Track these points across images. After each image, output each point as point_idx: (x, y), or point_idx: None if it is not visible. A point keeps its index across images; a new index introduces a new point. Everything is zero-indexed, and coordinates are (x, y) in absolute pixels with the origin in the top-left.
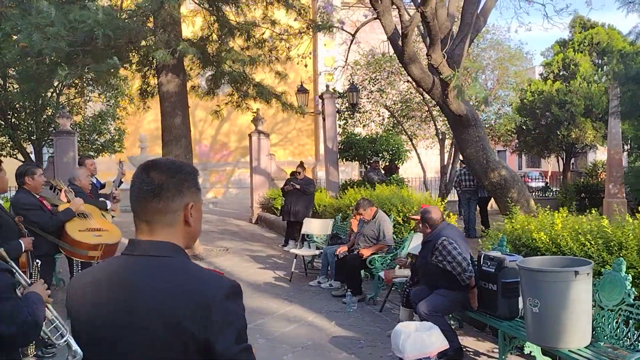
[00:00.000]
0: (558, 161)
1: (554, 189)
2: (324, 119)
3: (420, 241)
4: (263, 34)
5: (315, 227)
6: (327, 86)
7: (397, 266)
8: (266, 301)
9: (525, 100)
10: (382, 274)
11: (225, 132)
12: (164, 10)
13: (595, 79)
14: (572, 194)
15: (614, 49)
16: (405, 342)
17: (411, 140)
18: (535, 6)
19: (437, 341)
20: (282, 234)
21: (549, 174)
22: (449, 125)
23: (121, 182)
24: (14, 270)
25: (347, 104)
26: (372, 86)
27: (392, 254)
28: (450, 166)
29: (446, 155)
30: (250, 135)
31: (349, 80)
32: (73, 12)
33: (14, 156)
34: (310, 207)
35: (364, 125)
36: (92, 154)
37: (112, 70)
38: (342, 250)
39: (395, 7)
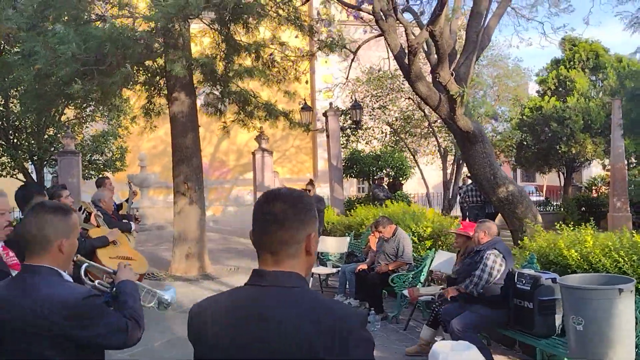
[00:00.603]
0: (559, 176)
1: (555, 203)
2: (327, 137)
3: (445, 258)
4: (271, 54)
5: (331, 245)
6: (331, 104)
7: (420, 284)
8: None
9: (524, 117)
10: (406, 292)
11: (224, 150)
12: (175, 30)
13: (592, 95)
14: (574, 209)
15: (606, 64)
16: None
17: (414, 156)
18: (534, 24)
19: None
20: None
21: (544, 188)
22: (453, 142)
23: (132, 202)
24: (97, 268)
25: (349, 121)
26: (374, 103)
27: (413, 272)
28: (452, 182)
29: (448, 171)
30: (253, 153)
31: (351, 98)
32: (85, 32)
33: (15, 176)
34: (321, 225)
35: (366, 142)
36: (92, 173)
37: (123, 83)
38: (362, 268)
39: (400, 25)
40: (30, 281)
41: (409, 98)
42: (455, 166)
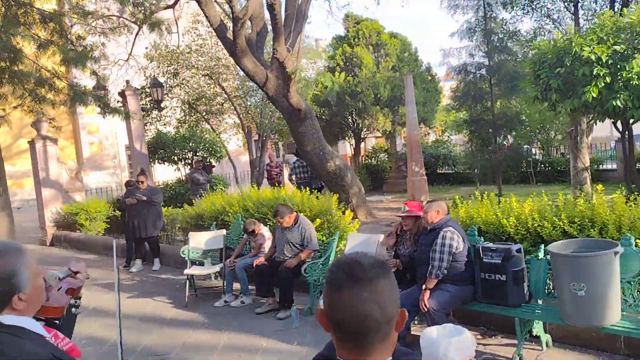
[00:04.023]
0: (349, 146)
1: None
2: (127, 118)
3: (360, 240)
4: (71, 26)
5: (204, 240)
6: (128, 81)
7: None
8: (191, 334)
9: (319, 92)
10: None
11: None
12: None
13: (377, 70)
14: (366, 176)
15: (387, 42)
16: (448, 350)
17: (218, 135)
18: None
19: (473, 340)
20: (102, 253)
21: None
22: (254, 119)
23: None
24: None
25: (146, 100)
26: (171, 80)
27: (323, 259)
28: (259, 159)
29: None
30: (32, 142)
31: (144, 75)
32: None
33: None
34: (160, 219)
35: (164, 124)
36: None
37: None
38: (259, 261)
39: None
40: None
41: (206, 75)
42: (260, 143)
